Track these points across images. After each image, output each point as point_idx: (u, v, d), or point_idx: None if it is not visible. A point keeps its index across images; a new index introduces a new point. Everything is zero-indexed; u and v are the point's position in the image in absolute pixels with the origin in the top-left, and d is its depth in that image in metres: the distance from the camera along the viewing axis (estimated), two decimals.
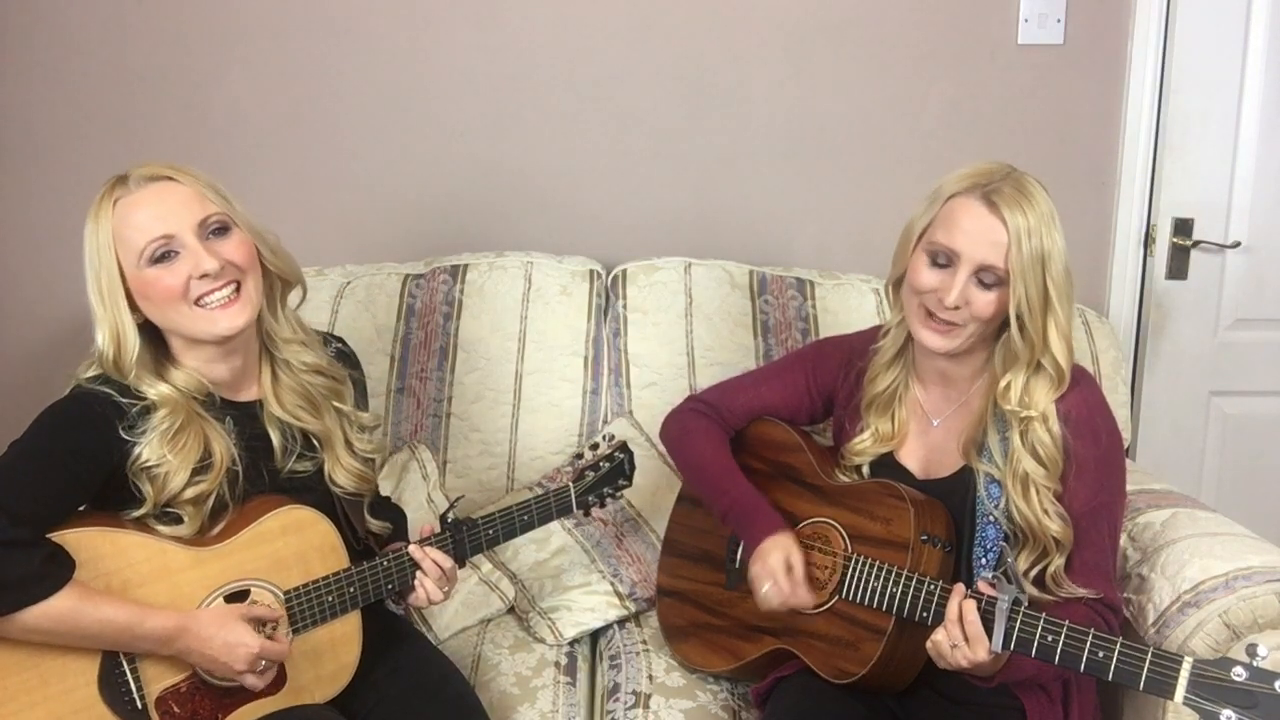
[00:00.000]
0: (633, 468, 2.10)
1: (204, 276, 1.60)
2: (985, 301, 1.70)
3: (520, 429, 2.45)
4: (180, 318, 1.62)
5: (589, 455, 2.08)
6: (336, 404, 1.80)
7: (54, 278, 2.66)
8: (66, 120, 2.62)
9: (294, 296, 1.80)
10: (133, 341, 1.61)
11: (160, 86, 2.61)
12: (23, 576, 1.46)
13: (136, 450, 1.59)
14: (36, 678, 1.54)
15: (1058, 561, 1.72)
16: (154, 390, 1.62)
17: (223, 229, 1.65)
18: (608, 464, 2.06)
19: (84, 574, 1.53)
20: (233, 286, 1.64)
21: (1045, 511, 1.71)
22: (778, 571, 1.80)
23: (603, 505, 2.08)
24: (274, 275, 1.73)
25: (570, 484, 2.02)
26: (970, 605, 1.59)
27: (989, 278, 1.69)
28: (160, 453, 1.60)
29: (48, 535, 1.52)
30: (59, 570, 1.50)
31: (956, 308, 1.71)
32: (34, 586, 1.47)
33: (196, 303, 1.61)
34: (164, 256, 1.60)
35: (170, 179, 1.63)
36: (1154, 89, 2.69)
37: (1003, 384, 1.75)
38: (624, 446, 2.10)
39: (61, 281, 2.66)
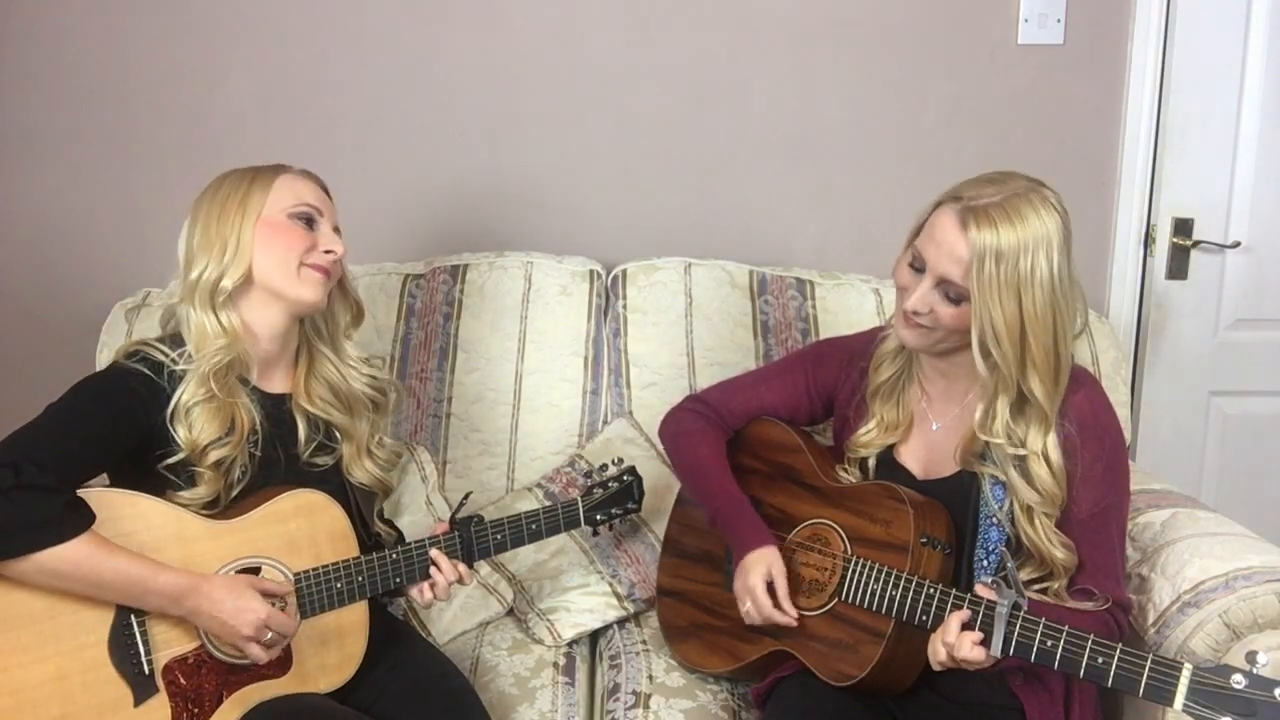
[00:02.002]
0: (642, 493, 2.14)
1: (328, 253, 1.79)
2: (950, 314, 1.69)
3: (520, 429, 2.45)
4: (286, 270, 1.76)
5: (598, 475, 2.13)
6: (373, 415, 1.92)
7: (54, 278, 2.66)
8: (66, 120, 2.62)
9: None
10: (243, 270, 1.74)
11: (160, 86, 2.61)
12: (45, 518, 1.52)
13: (177, 393, 1.69)
14: (50, 631, 1.58)
15: (1059, 584, 1.73)
16: (227, 320, 1.74)
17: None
18: (616, 485, 2.11)
19: (102, 532, 1.58)
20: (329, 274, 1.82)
21: (1050, 540, 1.71)
22: (756, 590, 1.81)
23: (611, 527, 2.13)
24: (350, 296, 1.94)
25: (579, 498, 2.07)
26: (966, 640, 1.59)
27: (952, 292, 1.67)
28: (204, 390, 1.69)
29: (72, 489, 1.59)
30: (79, 517, 1.56)
31: (917, 312, 1.71)
32: (55, 529, 1.53)
33: (303, 265, 1.77)
34: (306, 220, 1.79)
35: (324, 187, 1.87)
36: (1154, 89, 2.68)
37: (980, 412, 1.73)
38: (633, 470, 2.14)
39: (61, 282, 2.67)
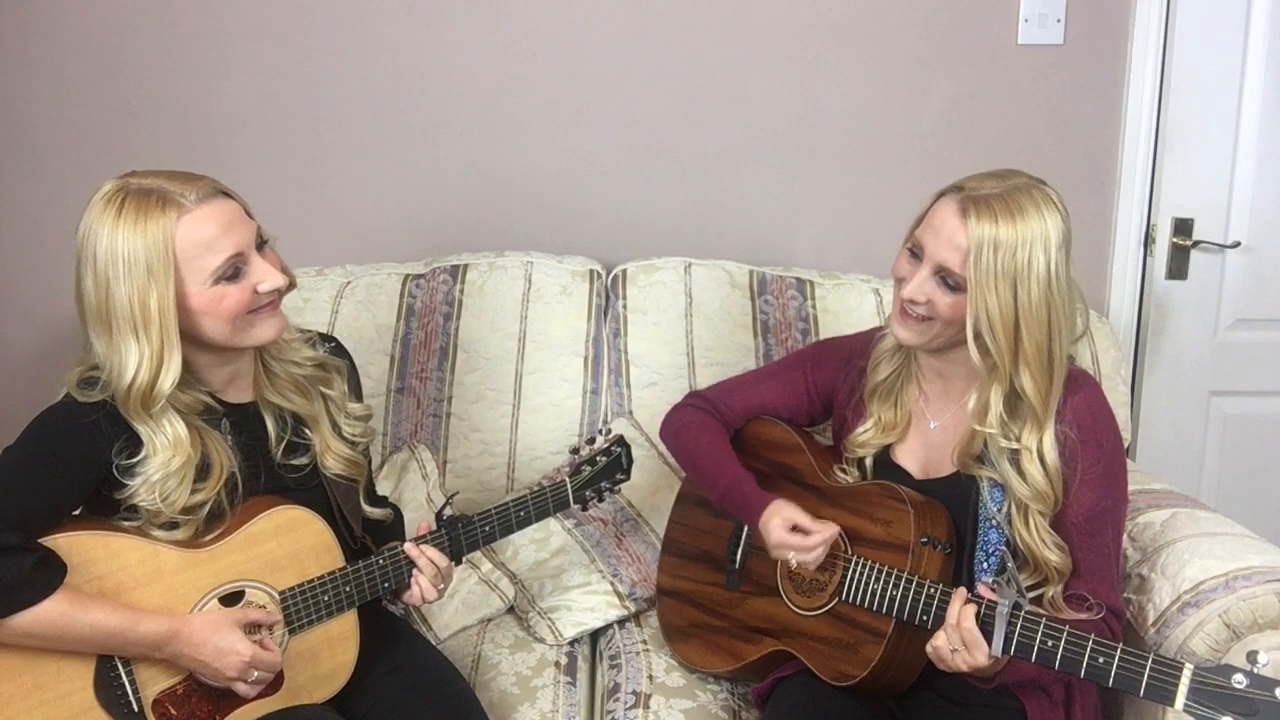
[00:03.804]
0: (630, 462, 2.09)
1: (272, 291, 1.63)
2: (946, 303, 1.69)
3: (520, 429, 2.45)
4: (233, 330, 1.62)
5: (585, 450, 2.07)
6: (324, 389, 1.81)
7: (53, 278, 2.65)
8: (66, 120, 2.62)
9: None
10: (177, 368, 1.57)
11: (160, 86, 2.61)
12: (13, 582, 1.47)
13: (131, 488, 1.59)
14: (31, 682, 1.54)
15: (1054, 589, 1.72)
16: (171, 429, 1.60)
17: (262, 243, 1.66)
18: (604, 458, 2.04)
19: (77, 577, 1.53)
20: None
21: (1043, 541, 1.71)
22: (787, 539, 1.80)
23: (600, 500, 2.06)
24: None
25: (567, 479, 2.01)
26: (968, 611, 1.59)
27: (951, 280, 1.68)
28: (158, 492, 1.59)
29: (40, 539, 1.52)
30: (50, 575, 1.50)
31: (914, 301, 1.71)
32: (24, 591, 1.48)
33: (250, 315, 1.63)
34: (234, 275, 1.60)
35: (225, 195, 1.63)
36: (1154, 89, 2.69)
37: (974, 401, 1.73)
38: (621, 440, 2.08)
39: (61, 282, 2.63)
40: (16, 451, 1.57)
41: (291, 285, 1.73)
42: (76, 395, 1.61)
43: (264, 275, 1.62)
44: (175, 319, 1.56)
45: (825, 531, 1.79)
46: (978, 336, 1.67)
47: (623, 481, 2.10)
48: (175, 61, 2.61)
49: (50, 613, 1.49)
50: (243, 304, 1.61)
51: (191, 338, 1.62)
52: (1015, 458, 1.71)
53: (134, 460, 1.59)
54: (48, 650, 1.54)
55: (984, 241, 1.62)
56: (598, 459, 2.05)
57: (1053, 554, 1.71)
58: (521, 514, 1.93)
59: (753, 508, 1.87)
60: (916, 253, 1.73)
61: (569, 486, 2.00)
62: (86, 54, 2.60)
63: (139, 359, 1.56)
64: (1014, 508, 1.72)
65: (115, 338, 1.56)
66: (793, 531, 1.80)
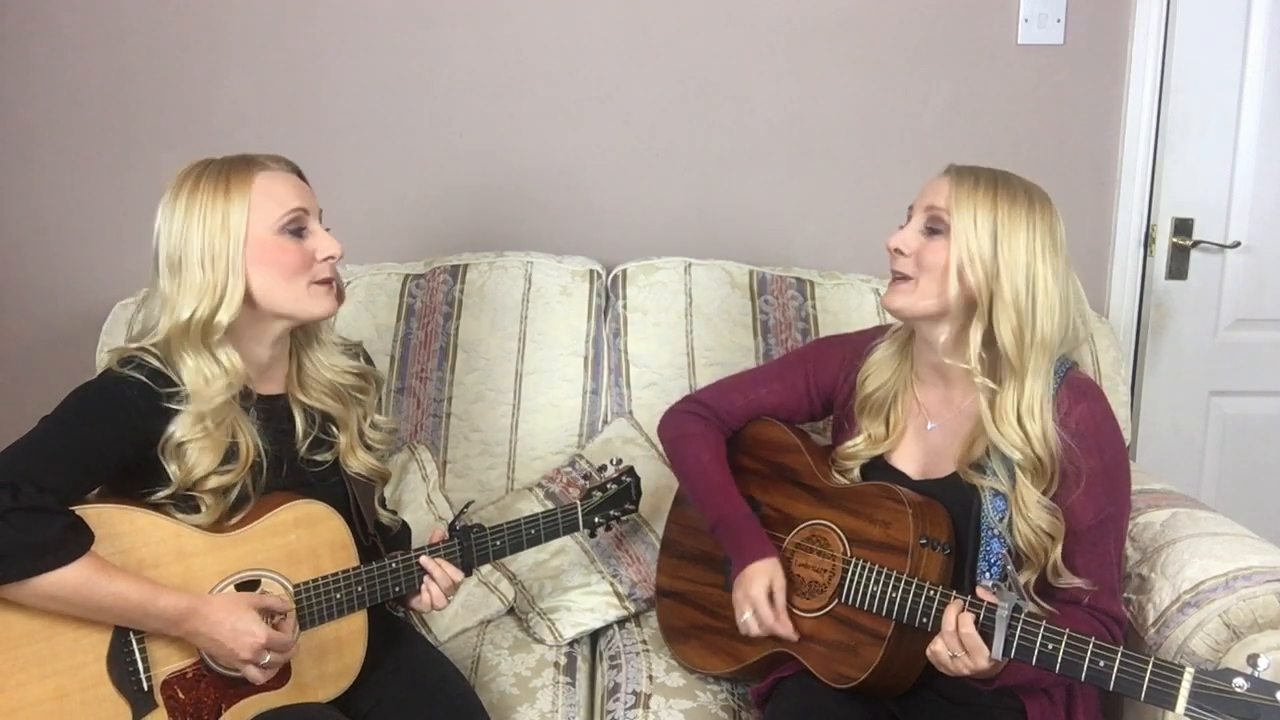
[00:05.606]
0: (639, 493, 2.15)
1: (327, 259, 1.72)
2: (932, 250, 1.72)
3: (520, 429, 2.45)
4: (293, 293, 1.70)
5: (597, 477, 2.12)
6: (359, 395, 1.87)
7: (54, 278, 2.67)
8: (66, 120, 2.62)
9: None
10: (238, 304, 1.66)
11: (160, 86, 2.61)
12: (43, 542, 1.49)
13: (171, 428, 1.63)
14: (48, 650, 1.56)
15: (1055, 553, 1.70)
16: (227, 359, 1.67)
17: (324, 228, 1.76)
18: (615, 486, 2.11)
19: (101, 549, 1.56)
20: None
21: (1027, 504, 1.70)
22: (758, 600, 1.82)
23: (608, 529, 2.13)
24: None
25: (578, 502, 2.06)
26: (966, 617, 1.59)
27: (935, 224, 1.72)
28: (200, 427, 1.64)
29: (70, 507, 1.55)
30: (78, 540, 1.53)
31: (900, 250, 1.74)
32: (53, 553, 1.50)
33: (310, 284, 1.71)
34: (296, 232, 1.70)
35: (299, 174, 1.76)
36: (1154, 89, 2.69)
37: (949, 332, 1.74)
38: (631, 471, 2.14)
39: (61, 282, 2.67)
40: (54, 420, 1.61)
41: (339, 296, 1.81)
42: (116, 370, 1.65)
43: (326, 242, 1.72)
44: (242, 255, 1.65)
45: (782, 629, 1.82)
46: (960, 270, 1.69)
47: (631, 513, 2.15)
48: (175, 61, 2.61)
49: (75, 577, 1.51)
50: (300, 263, 1.69)
51: (265, 301, 1.69)
52: (992, 399, 1.71)
53: (179, 391, 1.64)
54: (67, 620, 1.56)
55: (964, 183, 1.71)
56: (608, 486, 2.11)
57: (1041, 516, 1.69)
58: (532, 532, 1.99)
59: (747, 551, 1.88)
60: (906, 223, 1.78)
61: (579, 510, 2.06)
62: (87, 54, 2.59)
63: (203, 289, 1.64)
64: (1018, 513, 1.71)
65: (184, 273, 1.65)
66: (767, 597, 1.83)
